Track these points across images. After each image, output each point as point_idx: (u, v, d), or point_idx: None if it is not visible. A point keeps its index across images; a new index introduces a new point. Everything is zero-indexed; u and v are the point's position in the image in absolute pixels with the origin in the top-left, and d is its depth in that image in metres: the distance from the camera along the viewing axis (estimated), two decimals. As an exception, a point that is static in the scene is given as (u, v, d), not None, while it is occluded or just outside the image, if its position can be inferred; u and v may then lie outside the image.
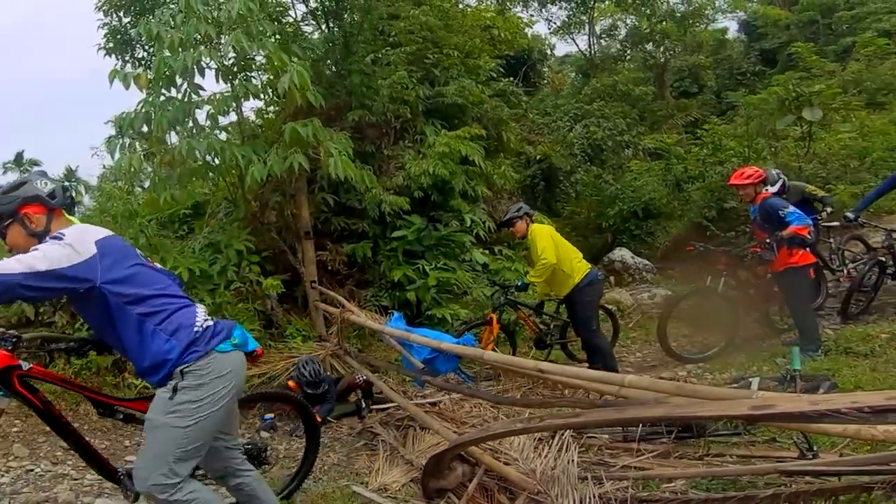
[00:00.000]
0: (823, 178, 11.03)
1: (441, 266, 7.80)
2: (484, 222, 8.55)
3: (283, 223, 7.58)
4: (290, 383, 5.69)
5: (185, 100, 6.54)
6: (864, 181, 10.63)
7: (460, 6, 12.15)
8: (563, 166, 11.97)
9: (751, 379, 4.96)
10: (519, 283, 6.75)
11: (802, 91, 11.51)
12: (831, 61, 19.04)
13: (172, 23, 6.36)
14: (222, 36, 6.41)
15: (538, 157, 11.53)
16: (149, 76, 6.65)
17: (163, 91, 6.54)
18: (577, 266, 6.25)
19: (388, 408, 5.73)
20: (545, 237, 6.22)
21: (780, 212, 6.11)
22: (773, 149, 12.37)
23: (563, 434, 4.30)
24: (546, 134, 12.84)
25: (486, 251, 8.69)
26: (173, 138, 6.77)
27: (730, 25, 28.06)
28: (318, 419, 4.77)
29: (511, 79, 12.26)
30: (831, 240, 7.96)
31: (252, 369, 5.82)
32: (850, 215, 7.39)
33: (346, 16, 9.31)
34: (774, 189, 6.81)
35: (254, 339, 2.94)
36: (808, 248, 6.29)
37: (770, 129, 12.43)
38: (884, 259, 7.24)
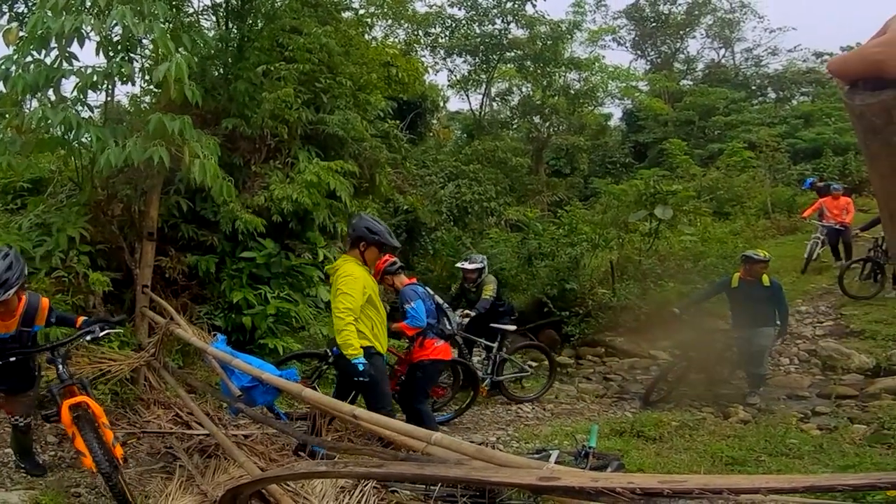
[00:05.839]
0: (658, 274, 11.77)
1: (284, 296, 7.61)
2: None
3: (128, 219, 7.13)
4: None
5: (53, 65, 6.10)
6: (693, 283, 11.24)
7: (367, 37, 12.00)
8: (428, 222, 11.96)
9: (551, 451, 5.23)
10: None
11: (660, 189, 12.20)
12: (697, 164, 20.51)
13: (63, -17, 5.97)
14: (111, 8, 6.09)
15: (406, 208, 11.47)
16: (21, 33, 6.18)
17: (32, 52, 6.06)
18: None
19: (198, 433, 5.51)
20: None
21: (405, 304, 5.98)
22: (620, 240, 13.07)
23: (365, 485, 4.33)
24: (419, 186, 12.83)
25: None
26: (33, 104, 6.30)
27: (615, 112, 29.63)
28: None
29: (398, 122, 12.23)
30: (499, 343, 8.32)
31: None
32: (676, 311, 8.12)
33: (248, 19, 8.97)
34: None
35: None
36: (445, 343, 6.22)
37: (623, 221, 13.02)
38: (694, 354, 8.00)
